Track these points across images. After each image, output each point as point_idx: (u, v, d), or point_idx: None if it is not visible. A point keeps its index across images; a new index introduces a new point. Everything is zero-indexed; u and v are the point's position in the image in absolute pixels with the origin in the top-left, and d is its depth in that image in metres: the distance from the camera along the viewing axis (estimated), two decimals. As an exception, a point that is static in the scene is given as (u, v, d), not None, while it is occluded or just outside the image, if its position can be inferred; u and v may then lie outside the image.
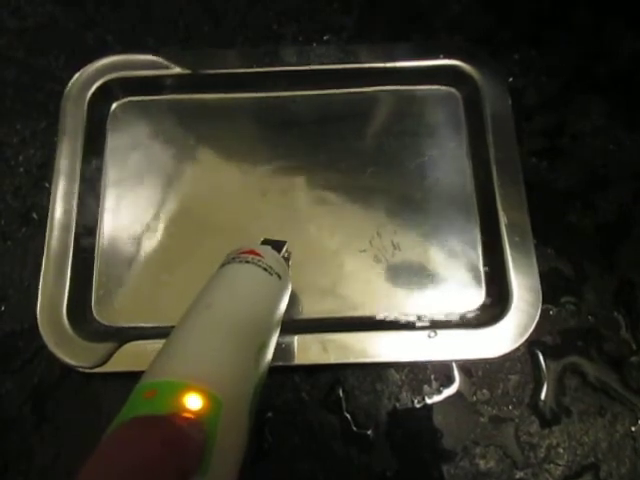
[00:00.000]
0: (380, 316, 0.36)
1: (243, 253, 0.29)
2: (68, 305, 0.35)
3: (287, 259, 0.32)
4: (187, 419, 0.19)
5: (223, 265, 0.29)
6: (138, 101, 0.42)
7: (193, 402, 0.20)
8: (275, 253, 0.30)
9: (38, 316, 0.35)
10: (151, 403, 0.20)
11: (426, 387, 0.35)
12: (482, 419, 0.34)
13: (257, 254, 0.29)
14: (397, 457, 0.34)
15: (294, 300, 0.36)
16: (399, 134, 0.41)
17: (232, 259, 0.29)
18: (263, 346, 0.25)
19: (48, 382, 0.35)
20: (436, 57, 0.41)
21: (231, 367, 0.23)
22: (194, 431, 0.19)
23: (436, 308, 0.36)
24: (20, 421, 0.35)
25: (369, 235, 0.38)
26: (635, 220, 0.38)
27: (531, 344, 0.35)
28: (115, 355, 0.33)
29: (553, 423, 0.34)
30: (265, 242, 0.32)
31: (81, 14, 0.45)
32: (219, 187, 0.40)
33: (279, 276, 0.29)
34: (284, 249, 0.32)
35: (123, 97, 0.42)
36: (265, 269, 0.28)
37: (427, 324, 0.35)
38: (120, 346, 0.34)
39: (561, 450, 0.34)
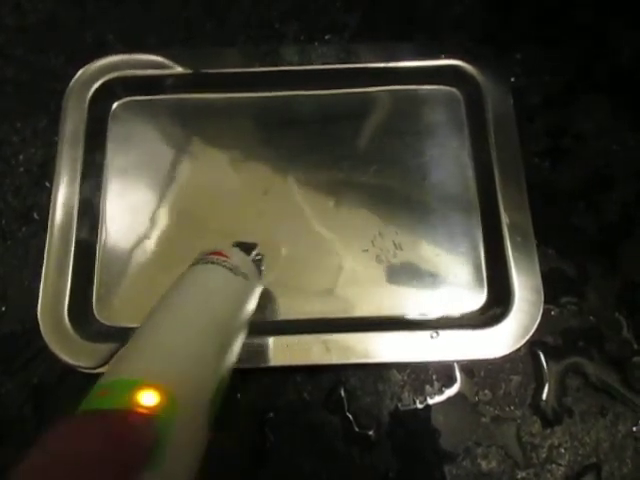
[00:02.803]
0: (382, 316, 0.36)
1: (210, 254, 0.29)
2: (69, 305, 0.35)
3: (259, 261, 0.32)
4: (136, 414, 0.19)
5: (189, 266, 0.29)
6: (139, 100, 0.42)
7: (145, 398, 0.20)
8: (243, 254, 0.31)
9: (39, 316, 0.35)
10: (102, 401, 0.20)
11: (428, 387, 0.35)
12: (484, 419, 0.34)
13: (223, 255, 0.29)
14: (399, 457, 0.34)
15: (295, 300, 0.36)
16: (401, 134, 0.41)
17: (198, 260, 0.29)
18: (225, 346, 0.25)
19: (49, 382, 0.35)
20: (438, 57, 0.41)
21: (188, 365, 0.23)
22: (142, 426, 0.19)
23: (438, 308, 0.36)
24: (21, 421, 0.34)
25: (371, 235, 0.38)
26: (638, 220, 0.38)
27: (533, 344, 0.35)
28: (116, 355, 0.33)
29: (555, 423, 0.34)
30: (236, 244, 0.32)
31: (82, 12, 0.45)
32: (220, 186, 0.40)
33: (245, 277, 0.29)
34: (255, 251, 0.32)
35: (124, 96, 0.42)
36: (230, 269, 0.28)
37: (429, 324, 0.35)
38: (121, 346, 0.34)
39: (563, 450, 0.34)
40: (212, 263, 0.28)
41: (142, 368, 0.22)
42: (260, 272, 0.31)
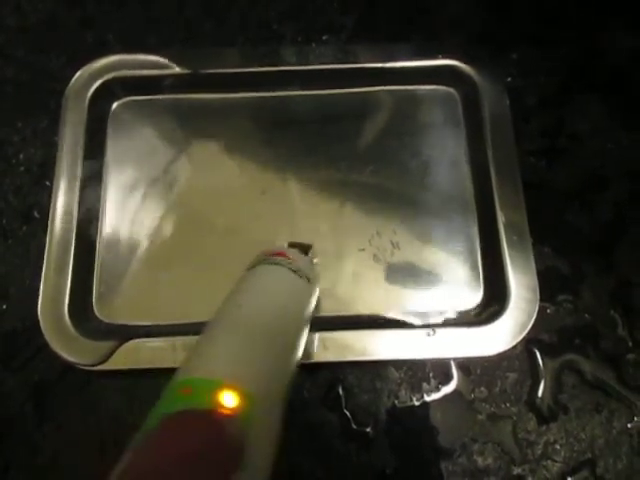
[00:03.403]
0: (379, 315, 0.36)
1: (272, 255, 0.29)
2: (69, 303, 0.35)
3: (314, 262, 0.33)
4: (225, 415, 0.20)
5: (253, 266, 0.29)
6: (139, 100, 0.42)
7: (228, 399, 0.20)
8: (303, 256, 0.31)
9: (39, 314, 0.35)
10: (188, 399, 0.20)
11: (425, 385, 0.35)
12: (480, 416, 0.35)
13: (286, 256, 0.29)
14: (396, 454, 0.34)
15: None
16: (398, 134, 0.41)
17: (262, 260, 0.29)
18: (293, 345, 0.26)
19: (50, 380, 0.35)
20: (435, 57, 0.41)
21: (263, 366, 0.23)
22: (232, 427, 0.19)
23: (435, 306, 0.37)
24: (22, 419, 0.35)
25: (368, 234, 0.38)
26: (632, 219, 0.39)
27: (528, 342, 0.36)
28: (116, 353, 0.34)
29: (550, 420, 0.34)
30: (292, 245, 0.33)
31: (82, 13, 0.45)
32: (219, 186, 0.40)
33: (308, 279, 0.29)
34: (311, 252, 0.32)
35: (124, 96, 0.42)
36: (294, 271, 0.28)
37: (426, 322, 0.36)
38: (121, 344, 0.34)
39: (558, 447, 0.34)
40: (277, 264, 0.28)
41: (222, 369, 0.22)
42: (316, 273, 0.32)
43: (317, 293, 0.31)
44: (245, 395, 0.21)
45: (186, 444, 0.18)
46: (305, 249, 0.32)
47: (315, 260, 0.33)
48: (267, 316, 0.26)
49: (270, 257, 0.29)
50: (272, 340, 0.25)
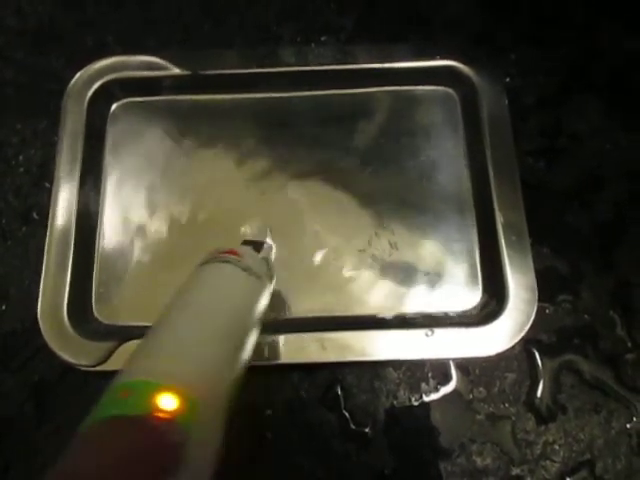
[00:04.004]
0: (378, 315, 0.36)
1: (222, 253, 0.29)
2: (69, 304, 0.35)
3: (267, 260, 0.32)
4: (162, 419, 0.19)
5: (202, 264, 0.29)
6: (138, 101, 0.42)
7: (168, 402, 0.20)
8: (255, 254, 0.31)
9: (39, 315, 0.35)
10: (125, 403, 0.20)
11: (424, 385, 0.35)
12: (479, 416, 0.35)
13: (236, 254, 0.29)
14: (395, 454, 0.34)
15: (292, 299, 0.37)
16: (397, 134, 0.41)
17: (211, 259, 0.29)
18: (240, 345, 0.25)
19: (49, 380, 0.35)
20: (434, 58, 0.41)
21: (207, 366, 0.23)
22: (170, 431, 0.19)
23: (433, 307, 0.37)
24: (21, 419, 0.35)
25: (367, 235, 0.39)
26: (631, 219, 0.39)
27: (527, 342, 0.36)
28: (115, 353, 0.34)
29: (549, 420, 0.34)
30: (245, 243, 0.32)
31: (81, 15, 0.45)
32: (218, 186, 0.40)
33: (258, 277, 0.29)
34: (264, 249, 0.32)
35: (123, 97, 0.42)
36: (244, 269, 0.28)
37: (424, 323, 0.36)
38: (120, 345, 0.34)
39: (557, 447, 0.34)
40: (226, 262, 0.28)
41: (163, 370, 0.22)
42: (270, 270, 0.31)
43: (269, 291, 0.30)
44: (186, 398, 0.20)
45: (116, 450, 0.18)
46: (258, 247, 0.32)
47: (266, 257, 0.32)
48: (214, 315, 0.25)
49: (220, 255, 0.29)
50: (218, 340, 0.24)
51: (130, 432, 0.19)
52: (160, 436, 0.19)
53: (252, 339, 0.27)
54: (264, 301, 0.30)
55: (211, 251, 0.30)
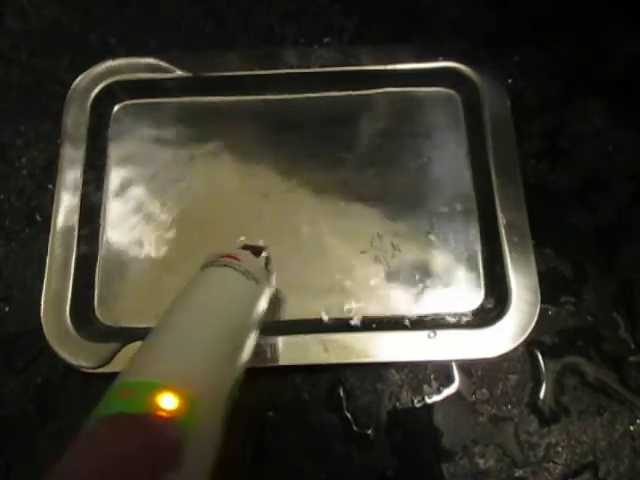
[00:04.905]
0: (380, 316, 0.36)
1: (222, 257, 0.29)
2: (71, 306, 0.35)
3: (266, 264, 0.33)
4: (162, 418, 0.20)
5: (202, 268, 0.29)
6: (140, 103, 0.42)
7: (167, 401, 0.20)
8: (253, 258, 0.31)
9: (42, 317, 0.35)
10: (126, 402, 0.20)
11: (426, 387, 0.35)
12: (481, 418, 0.35)
13: (235, 258, 0.29)
14: (397, 456, 0.34)
15: (294, 300, 0.37)
16: (399, 136, 0.41)
17: (211, 262, 0.29)
18: (239, 347, 0.26)
19: (52, 382, 0.36)
20: (436, 59, 0.41)
21: (206, 367, 0.24)
22: (169, 430, 0.20)
23: (436, 308, 0.37)
24: (24, 421, 0.35)
25: (369, 236, 0.39)
26: (634, 221, 0.39)
27: (530, 344, 0.36)
28: (118, 355, 0.34)
29: (552, 422, 0.34)
30: (245, 247, 0.32)
31: (85, 17, 0.45)
32: (221, 188, 0.40)
33: (256, 280, 0.29)
34: (263, 254, 0.32)
35: (125, 99, 0.42)
36: (243, 273, 0.29)
37: (427, 324, 0.36)
38: (123, 346, 0.34)
39: (560, 449, 0.34)
40: (226, 266, 0.29)
41: (163, 370, 0.22)
42: (269, 275, 0.32)
43: (267, 295, 0.31)
44: (185, 397, 0.21)
45: (117, 446, 0.18)
46: (257, 251, 0.32)
47: (265, 261, 0.33)
48: (213, 317, 0.26)
49: (219, 259, 0.29)
50: (218, 342, 0.25)
51: (130, 430, 0.19)
52: (159, 434, 0.19)
53: (251, 341, 0.28)
54: (263, 304, 0.30)
55: (211, 255, 0.30)
